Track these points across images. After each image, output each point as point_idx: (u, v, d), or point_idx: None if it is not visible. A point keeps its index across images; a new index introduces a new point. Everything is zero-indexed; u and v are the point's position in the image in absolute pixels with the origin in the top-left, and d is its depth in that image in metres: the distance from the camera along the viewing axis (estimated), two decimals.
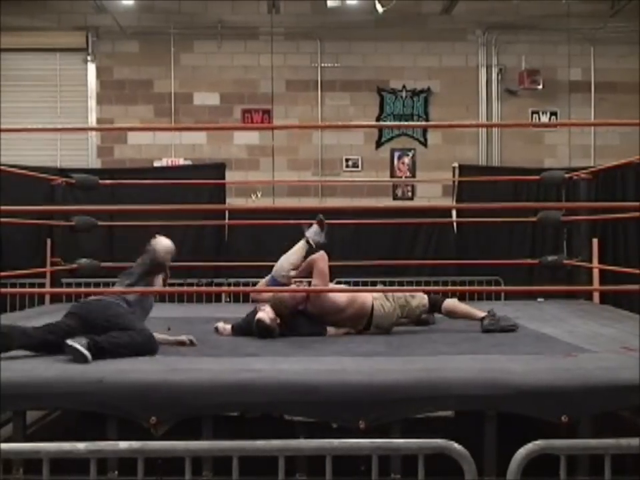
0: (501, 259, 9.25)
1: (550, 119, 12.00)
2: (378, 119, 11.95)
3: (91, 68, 11.93)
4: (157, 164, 11.70)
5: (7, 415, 4.82)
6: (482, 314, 6.27)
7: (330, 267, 6.25)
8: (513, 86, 11.99)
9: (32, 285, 9.04)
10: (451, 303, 6.38)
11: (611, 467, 2.76)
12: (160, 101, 11.91)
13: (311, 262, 6.24)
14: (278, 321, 5.94)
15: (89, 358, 4.79)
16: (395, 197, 11.89)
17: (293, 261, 6.53)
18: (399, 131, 11.97)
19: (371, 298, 6.15)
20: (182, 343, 5.68)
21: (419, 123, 12.46)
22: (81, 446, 2.65)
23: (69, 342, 4.85)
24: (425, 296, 6.27)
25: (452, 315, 6.38)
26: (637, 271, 6.70)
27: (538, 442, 2.70)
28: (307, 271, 6.29)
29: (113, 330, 5.09)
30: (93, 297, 5.65)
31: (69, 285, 9.14)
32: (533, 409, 4.35)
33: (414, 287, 6.29)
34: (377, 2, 10.45)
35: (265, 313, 5.94)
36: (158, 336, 5.72)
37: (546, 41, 11.91)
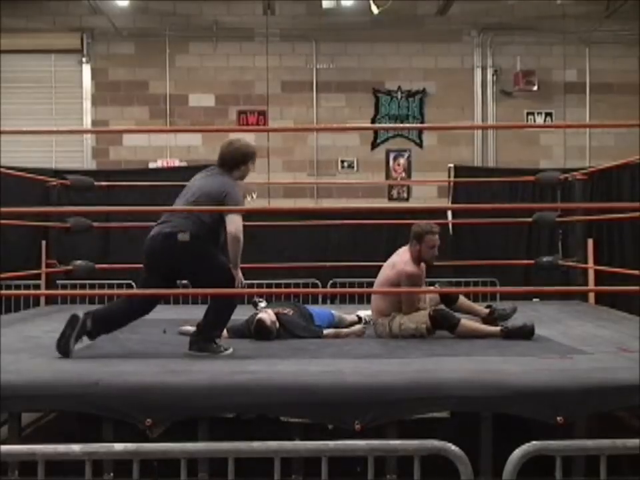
0: (496, 259, 9.26)
1: (545, 120, 12.01)
2: (373, 120, 11.95)
3: (86, 69, 11.91)
4: (152, 165, 11.69)
5: (3, 417, 4.80)
6: (493, 329, 6.15)
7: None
8: (508, 87, 12.01)
9: (27, 287, 9.02)
10: (466, 324, 6.21)
11: (606, 467, 2.76)
12: (155, 103, 11.90)
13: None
14: (277, 324, 5.97)
15: None
16: (391, 198, 11.89)
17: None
18: (394, 132, 11.98)
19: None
20: None
21: (414, 125, 12.46)
22: (76, 448, 2.65)
23: None
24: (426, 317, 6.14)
25: (465, 332, 6.12)
26: (633, 272, 6.72)
27: (534, 443, 2.70)
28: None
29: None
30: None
31: (64, 286, 9.12)
32: (528, 409, 4.35)
33: (411, 288, 6.23)
34: (372, 3, 10.45)
35: (267, 315, 5.99)
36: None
37: (541, 42, 11.92)
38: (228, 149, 5.62)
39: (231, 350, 5.32)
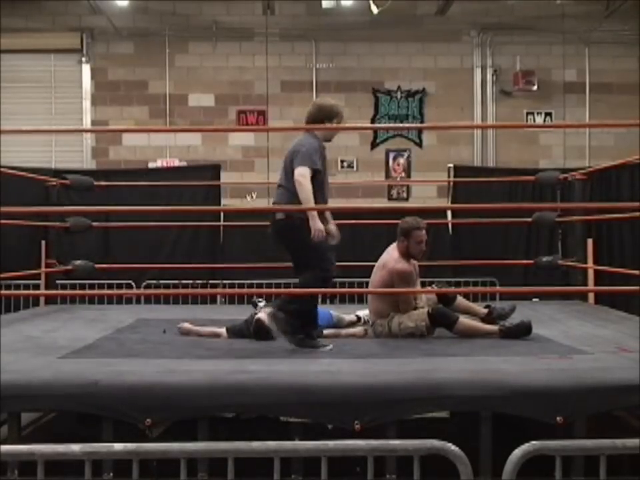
0: (496, 259, 9.25)
1: (545, 119, 12.02)
2: (373, 120, 11.96)
3: (86, 69, 11.92)
4: (151, 165, 11.69)
5: (2, 417, 4.80)
6: (492, 328, 6.17)
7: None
8: (507, 87, 12.02)
9: (27, 287, 9.01)
10: (465, 322, 6.24)
11: (606, 467, 2.76)
12: (155, 102, 11.90)
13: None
14: None
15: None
16: (390, 198, 11.90)
17: None
18: (394, 132, 11.98)
19: None
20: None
21: (414, 124, 12.46)
22: (75, 447, 2.65)
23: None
24: (425, 315, 6.13)
25: (464, 330, 6.14)
26: (632, 272, 6.71)
27: (533, 443, 2.70)
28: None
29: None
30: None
31: (63, 286, 9.12)
32: (528, 409, 4.35)
33: (407, 288, 6.22)
34: (371, 3, 10.45)
35: (265, 314, 5.97)
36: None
37: (541, 41, 11.93)
38: (311, 108, 5.80)
39: (330, 347, 5.44)
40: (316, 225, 5.35)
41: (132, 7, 11.71)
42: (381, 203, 11.67)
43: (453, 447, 2.70)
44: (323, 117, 5.68)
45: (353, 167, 11.94)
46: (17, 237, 9.52)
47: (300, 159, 5.44)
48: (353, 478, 4.18)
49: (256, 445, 2.70)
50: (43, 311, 8.39)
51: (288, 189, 5.53)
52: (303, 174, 5.37)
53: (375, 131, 12.13)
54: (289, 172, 5.55)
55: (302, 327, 5.49)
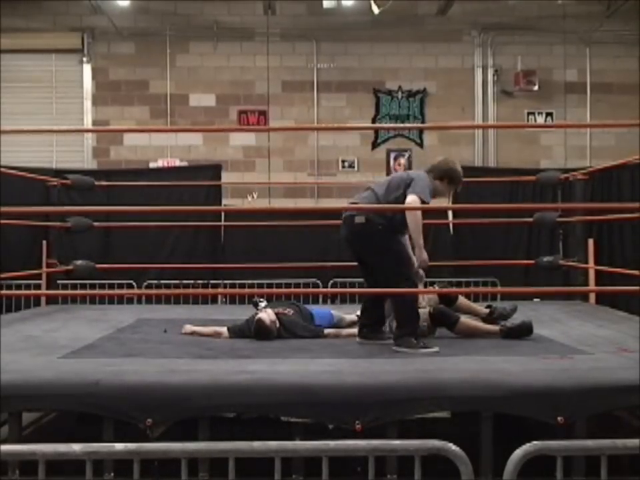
0: (496, 259, 9.24)
1: (546, 119, 12.02)
2: (374, 120, 11.96)
3: (87, 69, 11.93)
4: (152, 165, 11.69)
5: (3, 417, 4.80)
6: (493, 328, 6.16)
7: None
8: (508, 87, 12.02)
9: (28, 287, 9.01)
10: (466, 322, 6.23)
11: (607, 467, 2.76)
12: (156, 102, 11.90)
13: None
14: (277, 324, 5.97)
15: None
16: None
17: None
18: (395, 132, 11.98)
19: None
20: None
21: (415, 125, 12.46)
22: (76, 447, 2.64)
23: None
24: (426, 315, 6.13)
25: (465, 330, 6.18)
26: (633, 272, 6.71)
27: (535, 443, 2.70)
28: None
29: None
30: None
31: (64, 286, 9.11)
32: (528, 409, 4.34)
33: (411, 289, 6.21)
34: (372, 3, 10.45)
35: (266, 314, 5.97)
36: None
37: (542, 42, 11.93)
38: (440, 160, 5.97)
39: (435, 349, 5.39)
40: (422, 255, 5.47)
41: (133, 6, 11.72)
42: None
43: (453, 447, 2.70)
44: (444, 174, 5.81)
45: (354, 167, 11.94)
46: (18, 236, 9.52)
47: (418, 187, 5.50)
48: (354, 478, 4.19)
49: (257, 444, 2.70)
50: (44, 310, 8.39)
51: (378, 196, 5.62)
52: (417, 202, 5.46)
53: (376, 130, 12.13)
54: (392, 187, 5.63)
55: (405, 329, 5.55)
